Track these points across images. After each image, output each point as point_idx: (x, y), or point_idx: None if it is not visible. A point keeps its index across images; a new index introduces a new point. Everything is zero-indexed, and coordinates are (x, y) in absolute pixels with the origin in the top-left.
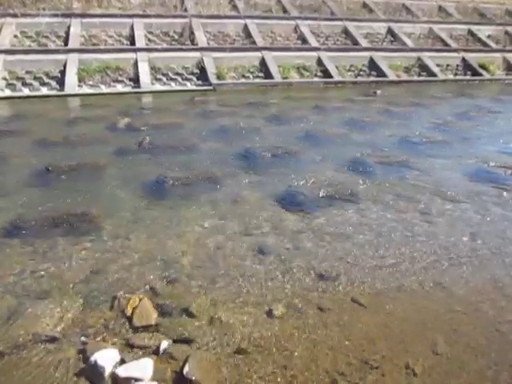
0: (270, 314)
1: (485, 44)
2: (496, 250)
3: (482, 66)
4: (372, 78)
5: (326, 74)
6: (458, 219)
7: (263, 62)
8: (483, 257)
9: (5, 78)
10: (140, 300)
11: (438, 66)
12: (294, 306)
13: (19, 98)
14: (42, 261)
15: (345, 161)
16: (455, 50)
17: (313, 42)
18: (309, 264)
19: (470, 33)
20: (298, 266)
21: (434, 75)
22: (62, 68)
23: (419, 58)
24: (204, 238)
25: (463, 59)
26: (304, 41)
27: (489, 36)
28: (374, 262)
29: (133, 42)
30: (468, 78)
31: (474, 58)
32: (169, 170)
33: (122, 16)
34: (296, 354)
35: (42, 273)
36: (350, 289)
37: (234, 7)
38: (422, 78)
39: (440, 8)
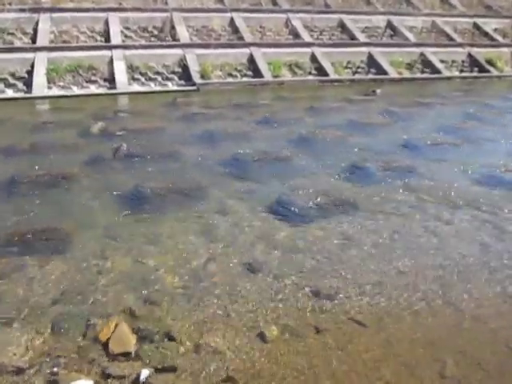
0: (261, 337)
1: (492, 38)
2: (509, 263)
3: (490, 62)
4: (371, 76)
5: (321, 71)
6: (467, 230)
7: (252, 60)
8: (494, 271)
9: None
10: (117, 324)
11: (442, 62)
12: (289, 327)
13: None
14: (7, 283)
15: (342, 167)
16: (460, 45)
17: (306, 37)
18: (304, 281)
19: (476, 26)
20: (292, 283)
21: (439, 72)
22: (30, 68)
23: (422, 54)
24: (187, 254)
25: (469, 55)
26: (296, 36)
27: (495, 29)
28: (376, 278)
29: (108, 39)
30: (475, 74)
31: (480, 53)
32: (148, 179)
33: (95, 10)
34: (291, 382)
35: (7, 296)
36: (349, 307)
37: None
38: (425, 76)
39: None
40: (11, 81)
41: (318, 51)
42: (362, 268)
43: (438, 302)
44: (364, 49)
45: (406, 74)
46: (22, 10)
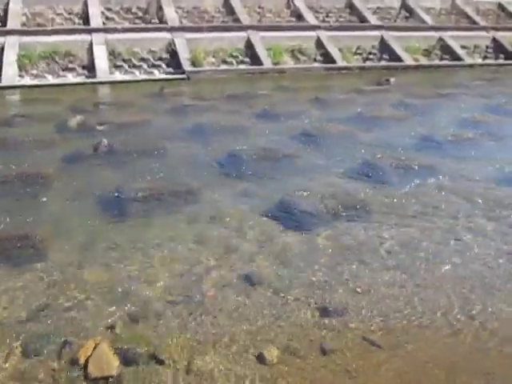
0: (261, 359)
1: None
2: None
3: None
4: (384, 63)
5: (328, 58)
6: (492, 237)
7: (249, 45)
8: None
9: None
10: (97, 345)
11: (463, 47)
12: (291, 348)
13: None
14: None
15: (352, 166)
16: (484, 29)
17: (310, 19)
18: (309, 295)
19: (501, 7)
20: (295, 297)
21: (460, 59)
22: None
23: (441, 39)
24: (177, 264)
25: (494, 39)
26: (299, 17)
27: None
28: (390, 292)
29: (87, 21)
30: (500, 62)
31: (506, 37)
32: (132, 180)
33: None
34: None
35: None
36: (360, 325)
37: None
38: (444, 63)
39: None
40: None
41: (324, 35)
42: (375, 280)
43: (461, 319)
44: (376, 32)
45: (423, 61)
46: None
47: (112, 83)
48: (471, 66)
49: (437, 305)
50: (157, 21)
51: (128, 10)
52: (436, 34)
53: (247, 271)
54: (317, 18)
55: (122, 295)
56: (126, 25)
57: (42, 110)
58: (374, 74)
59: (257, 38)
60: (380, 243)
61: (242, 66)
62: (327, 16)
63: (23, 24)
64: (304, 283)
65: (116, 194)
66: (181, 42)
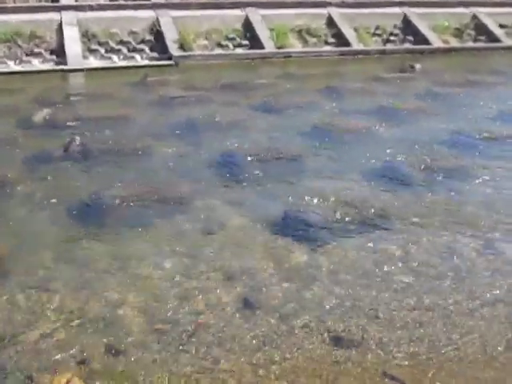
0: None
1: None
2: None
3: None
4: (407, 46)
5: (341, 40)
6: None
7: (248, 24)
8: None
9: None
10: (68, 381)
11: (501, 26)
12: None
13: None
14: None
15: (370, 168)
16: None
17: None
18: (319, 322)
19: None
20: (303, 324)
21: (497, 40)
22: None
23: (475, 16)
24: (163, 286)
25: None
26: None
27: None
28: (415, 317)
29: None
30: None
31: None
32: (110, 185)
33: None
34: None
35: None
36: (380, 357)
37: None
38: (479, 45)
39: None
40: None
41: (337, 13)
42: (398, 304)
43: (502, 352)
44: (397, 9)
45: (454, 43)
46: None
47: (86, 71)
48: (511, 48)
49: (472, 333)
50: None
51: None
52: (468, 11)
53: (246, 293)
54: None
55: (97, 322)
56: (102, 1)
57: (1, 102)
58: (395, 58)
59: (257, 16)
60: (403, 260)
61: (239, 50)
62: None
63: None
64: (313, 307)
65: (91, 203)
66: (166, 22)
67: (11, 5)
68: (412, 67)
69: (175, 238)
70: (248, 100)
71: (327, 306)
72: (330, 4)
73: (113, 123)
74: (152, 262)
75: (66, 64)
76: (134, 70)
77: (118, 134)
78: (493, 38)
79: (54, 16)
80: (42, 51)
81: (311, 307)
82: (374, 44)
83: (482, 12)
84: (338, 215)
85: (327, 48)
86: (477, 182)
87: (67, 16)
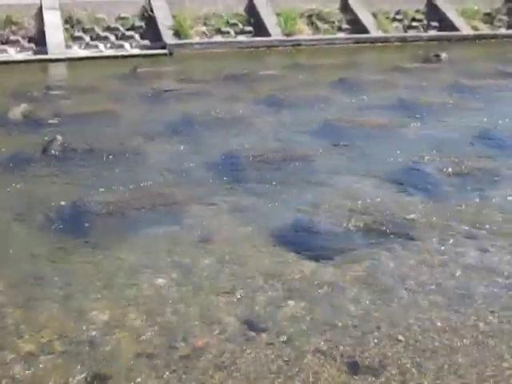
0: None
1: None
2: None
3: None
4: (432, 33)
5: (357, 26)
6: None
7: (252, 8)
8: None
9: None
10: None
11: None
12: None
13: None
14: None
15: (390, 171)
16: None
17: None
18: (333, 346)
19: None
20: (314, 349)
21: None
22: None
23: (507, 0)
24: (155, 304)
25: None
26: None
27: None
28: (446, 341)
29: None
30: None
31: None
32: (95, 190)
33: None
34: None
35: None
36: None
37: None
38: None
39: None
40: None
41: None
42: (422, 324)
43: None
44: None
45: (485, 30)
46: None
47: (68, 61)
48: None
49: (509, 360)
50: None
51: None
52: None
53: (248, 313)
54: None
55: (81, 346)
56: None
57: None
58: (418, 47)
59: None
60: (427, 276)
61: (242, 38)
62: None
63: None
64: (326, 329)
65: (73, 210)
66: (160, 6)
67: None
68: (437, 57)
69: (168, 250)
70: (252, 94)
71: (341, 328)
72: None
73: (99, 120)
74: (142, 277)
75: (46, 53)
76: (123, 60)
77: (104, 132)
78: None
79: (32, 0)
80: (20, 39)
81: (323, 329)
82: (395, 31)
83: None
84: (353, 224)
85: (341, 35)
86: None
87: None
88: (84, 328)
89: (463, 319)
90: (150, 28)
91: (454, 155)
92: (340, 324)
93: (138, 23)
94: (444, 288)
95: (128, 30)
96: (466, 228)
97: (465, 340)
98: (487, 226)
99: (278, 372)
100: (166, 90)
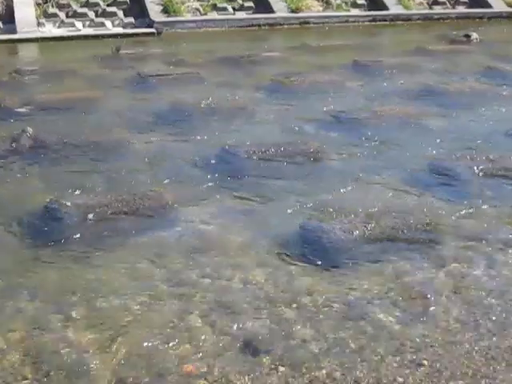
0: None
1: None
2: None
3: None
4: (461, 10)
5: (374, 1)
6: None
7: None
8: None
9: None
10: None
11: None
12: None
13: None
14: None
15: (413, 169)
16: None
17: None
18: (345, 371)
19: None
20: (322, 376)
21: None
22: None
23: None
24: (138, 323)
25: None
26: None
27: None
28: (472, 364)
29: None
30: None
31: None
32: (70, 191)
33: None
34: None
35: None
36: None
37: None
38: None
39: None
40: None
41: None
42: (449, 347)
43: None
44: None
45: None
46: None
47: (41, 41)
48: None
49: None
50: None
51: None
52: None
53: (247, 333)
54: None
55: (54, 371)
56: None
57: None
58: (445, 26)
59: None
60: (453, 292)
61: (241, 15)
62: None
63: None
64: (337, 352)
65: (44, 214)
66: None
67: None
68: (467, 37)
69: (154, 260)
70: (252, 80)
71: (355, 350)
72: None
73: (75, 109)
74: (124, 292)
75: (15, 32)
76: (104, 41)
77: (82, 123)
78: None
79: None
80: None
81: (334, 352)
82: (417, 7)
83: None
84: (370, 232)
85: (356, 12)
86: None
87: None
88: (56, 350)
89: (497, 342)
90: (134, 3)
91: (488, 151)
92: (353, 345)
93: None
94: (474, 302)
95: (109, 5)
96: (503, 237)
97: (495, 363)
98: None
99: None
100: (153, 75)
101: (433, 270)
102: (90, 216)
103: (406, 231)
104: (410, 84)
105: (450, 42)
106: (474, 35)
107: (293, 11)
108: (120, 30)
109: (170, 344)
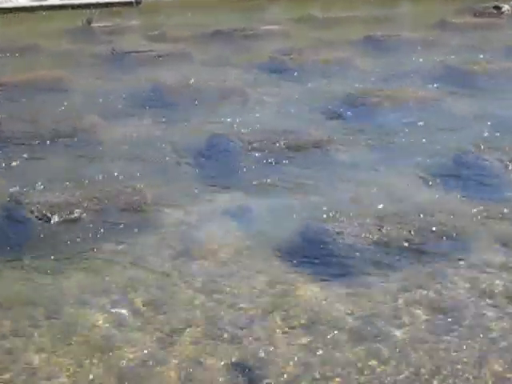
0: None
1: None
2: None
3: None
4: None
5: None
6: None
7: None
8: None
9: None
10: None
11: None
12: None
13: None
14: None
15: (435, 162)
16: None
17: None
18: None
19: None
20: None
21: None
22: None
23: None
24: (113, 343)
25: None
26: None
27: None
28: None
29: None
30: None
31: None
32: (34, 186)
33: None
34: None
35: None
36: None
37: None
38: None
39: None
40: None
41: None
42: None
43: None
44: None
45: None
46: None
47: (0, 12)
48: None
49: None
50: None
51: None
52: None
53: (241, 356)
54: None
55: None
56: None
57: None
58: None
59: None
60: (487, 304)
61: None
62: None
63: None
64: (344, 377)
65: (4, 214)
66: None
67: None
68: (497, 9)
69: (133, 268)
70: (248, 57)
71: (367, 376)
72: None
73: (40, 91)
74: (96, 306)
75: None
76: (73, 12)
77: (48, 107)
78: None
79: None
80: None
81: (343, 376)
82: None
83: None
84: (383, 235)
85: None
86: None
87: None
88: (16, 374)
89: None
90: None
91: None
92: (365, 370)
93: None
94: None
95: None
96: None
97: None
98: None
99: None
100: (131, 52)
101: (458, 280)
102: (55, 217)
103: (426, 235)
104: (430, 63)
105: (477, 14)
106: (506, 7)
107: None
108: (92, 0)
109: (151, 368)
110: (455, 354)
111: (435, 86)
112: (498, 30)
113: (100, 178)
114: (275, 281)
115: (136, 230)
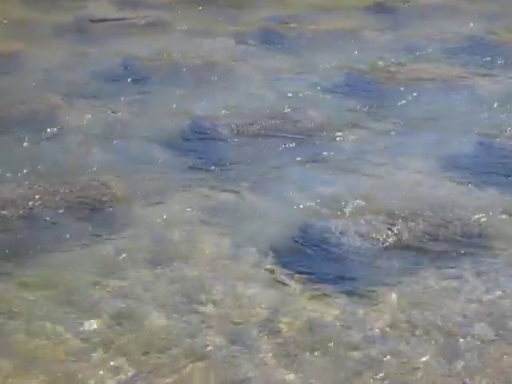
0: None
1: None
2: None
3: None
4: None
5: None
6: None
7: None
8: None
9: None
10: None
11: None
12: None
13: None
14: None
15: (453, 148)
16: None
17: None
18: None
19: None
20: None
21: None
22: None
23: None
24: (81, 363)
25: None
26: None
27: None
28: None
29: None
30: None
31: None
32: None
33: None
34: None
35: None
36: None
37: None
38: None
39: None
40: None
41: None
42: None
43: None
44: None
45: None
46: None
47: None
48: None
49: None
50: None
51: None
52: None
53: (241, 375)
54: None
55: None
56: None
57: None
58: None
59: None
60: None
61: None
62: None
63: None
64: None
65: None
66: None
67: None
68: None
69: (103, 276)
70: (235, 26)
71: None
72: None
73: None
74: (61, 320)
75: None
76: None
77: (1, 86)
78: None
79: None
80: None
81: None
82: None
83: None
84: (395, 236)
85: None
86: None
87: None
88: None
89: None
90: None
91: None
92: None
93: None
94: None
95: None
96: None
97: None
98: None
99: None
100: (98, 21)
101: (474, 283)
102: (9, 214)
103: (445, 235)
104: (450, 34)
105: None
106: None
107: None
108: None
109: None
110: None
111: (456, 61)
112: None
113: (62, 169)
114: (269, 291)
115: (104, 230)
